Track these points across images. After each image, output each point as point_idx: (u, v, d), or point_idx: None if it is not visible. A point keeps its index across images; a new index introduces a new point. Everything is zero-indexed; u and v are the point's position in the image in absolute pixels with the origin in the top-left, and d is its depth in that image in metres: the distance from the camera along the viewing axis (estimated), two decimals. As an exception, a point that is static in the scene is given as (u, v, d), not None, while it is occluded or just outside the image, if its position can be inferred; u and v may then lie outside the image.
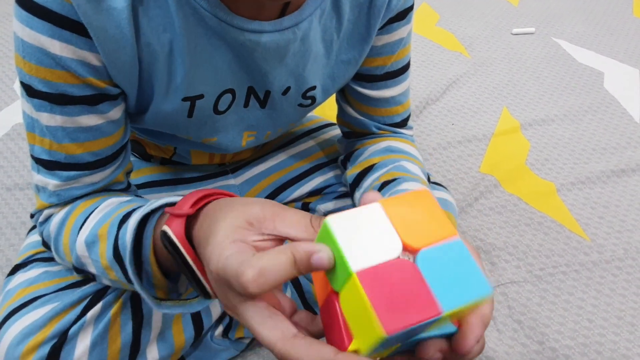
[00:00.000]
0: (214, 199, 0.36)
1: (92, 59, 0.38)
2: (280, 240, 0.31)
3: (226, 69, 0.45)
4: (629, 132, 0.95)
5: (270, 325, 0.27)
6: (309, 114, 0.77)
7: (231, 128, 0.52)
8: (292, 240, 0.30)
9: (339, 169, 0.67)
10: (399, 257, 0.25)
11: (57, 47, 0.37)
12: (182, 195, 0.38)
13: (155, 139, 0.58)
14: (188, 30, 0.40)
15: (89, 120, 0.42)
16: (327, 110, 0.93)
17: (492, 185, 0.84)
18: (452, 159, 0.89)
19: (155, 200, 0.39)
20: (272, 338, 0.27)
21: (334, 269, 0.26)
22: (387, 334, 0.22)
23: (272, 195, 0.66)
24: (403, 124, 0.61)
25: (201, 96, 0.46)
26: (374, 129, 0.60)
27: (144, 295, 0.37)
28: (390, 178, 0.53)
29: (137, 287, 0.37)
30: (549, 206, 0.81)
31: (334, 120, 0.75)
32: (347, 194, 0.65)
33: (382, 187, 0.52)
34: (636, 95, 1.04)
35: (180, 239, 0.33)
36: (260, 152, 0.68)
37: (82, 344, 0.45)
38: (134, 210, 0.40)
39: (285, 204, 0.67)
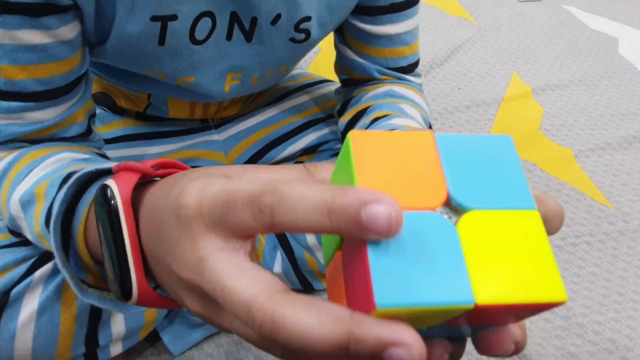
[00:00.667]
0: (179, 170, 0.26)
1: None
2: None
3: None
4: (649, 97, 0.88)
5: (251, 277, 0.18)
6: (303, 70, 0.70)
7: (211, 65, 0.44)
8: None
9: (336, 124, 0.60)
10: (434, 211, 0.17)
11: None
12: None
13: (124, 82, 0.50)
14: None
15: (32, 36, 0.34)
16: (321, 70, 0.85)
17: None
18: (460, 124, 0.81)
19: (108, 161, 0.31)
20: (251, 292, 0.17)
21: None
22: (378, 307, 0.15)
23: (260, 153, 0.59)
24: (410, 69, 0.53)
25: (174, 17, 0.38)
26: (376, 74, 0.52)
27: (66, 276, 0.27)
28: (381, 115, 0.46)
29: (59, 264, 0.27)
30: (567, 173, 0.74)
31: (331, 78, 0.68)
32: (346, 151, 0.58)
33: (371, 124, 0.45)
34: (654, 61, 0.97)
35: (124, 200, 0.23)
36: (248, 108, 0.60)
37: (29, 307, 0.37)
38: (81, 170, 0.30)
39: (276, 162, 0.59)
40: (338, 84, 0.63)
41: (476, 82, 0.90)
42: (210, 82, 0.46)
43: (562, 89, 0.90)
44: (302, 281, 0.55)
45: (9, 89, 0.35)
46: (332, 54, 0.56)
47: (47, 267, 0.38)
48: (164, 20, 0.38)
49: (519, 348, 0.19)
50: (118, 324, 0.42)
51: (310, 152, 0.59)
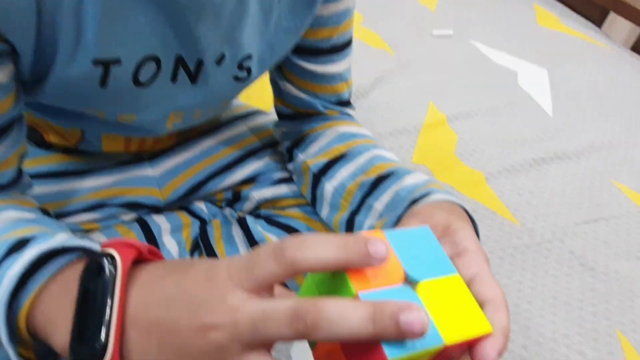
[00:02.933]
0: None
1: None
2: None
3: (149, 30, 0.38)
4: (544, 125, 1.00)
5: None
6: (236, 100, 0.72)
7: (154, 106, 0.44)
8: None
9: (275, 154, 0.62)
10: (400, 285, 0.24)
11: None
12: (98, 243, 0.30)
13: (57, 119, 0.49)
14: None
15: None
16: (252, 99, 0.87)
17: (426, 175, 0.83)
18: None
19: (66, 237, 0.31)
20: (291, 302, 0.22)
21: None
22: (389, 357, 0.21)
23: (197, 187, 0.59)
24: (348, 102, 0.58)
25: (117, 61, 0.38)
26: (321, 108, 0.55)
27: (10, 351, 0.28)
28: (382, 172, 0.48)
29: (3, 338, 0.28)
30: (480, 194, 0.82)
31: (262, 107, 0.70)
32: (285, 180, 0.60)
33: (378, 182, 0.48)
34: (547, 92, 1.11)
35: (123, 272, 0.25)
36: (183, 137, 0.61)
37: None
38: (33, 238, 0.31)
39: (214, 193, 0.60)
40: (271, 115, 0.66)
41: (398, 111, 0.97)
42: (152, 121, 0.46)
43: (472, 117, 0.99)
44: None
45: None
46: (260, 84, 0.58)
47: None
48: (107, 64, 0.38)
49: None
50: None
51: (249, 182, 0.60)
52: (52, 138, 0.53)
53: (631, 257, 0.74)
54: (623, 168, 0.91)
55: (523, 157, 0.91)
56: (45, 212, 0.40)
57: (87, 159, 0.55)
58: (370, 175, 0.49)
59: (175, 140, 0.60)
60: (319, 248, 0.22)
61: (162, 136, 0.56)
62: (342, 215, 0.51)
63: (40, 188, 0.51)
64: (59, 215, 0.52)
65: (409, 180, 0.47)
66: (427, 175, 0.48)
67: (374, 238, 0.23)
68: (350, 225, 0.50)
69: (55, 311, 0.28)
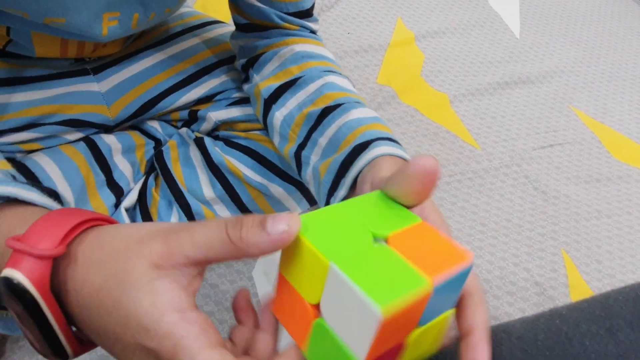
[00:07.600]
0: (90, 226, 0.24)
1: None
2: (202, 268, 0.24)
3: None
4: (510, 47, 0.98)
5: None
6: (190, 9, 0.65)
7: (84, 5, 0.39)
8: (211, 261, 0.23)
9: (232, 71, 0.57)
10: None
11: None
12: (31, 187, 0.26)
13: None
14: None
15: None
16: (208, 9, 0.80)
17: (390, 97, 0.81)
18: (349, 70, 0.83)
19: None
20: None
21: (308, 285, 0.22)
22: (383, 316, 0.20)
23: (149, 105, 0.55)
24: (309, 13, 0.53)
25: None
26: (277, 20, 0.50)
27: None
28: (330, 103, 0.45)
29: None
30: (444, 117, 0.81)
31: (219, 18, 0.64)
32: (243, 100, 0.56)
33: (325, 114, 0.45)
34: (516, 12, 1.07)
35: (43, 293, 0.22)
36: (131, 48, 0.55)
37: None
38: None
39: (168, 112, 0.56)
40: (228, 25, 0.60)
41: (364, 26, 0.92)
42: (84, 24, 0.41)
43: (440, 36, 0.96)
44: None
45: None
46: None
47: None
48: None
49: None
50: None
51: (206, 102, 0.56)
52: None
53: (580, 182, 0.77)
54: (582, 93, 0.92)
55: (487, 80, 0.89)
56: None
57: (18, 65, 0.49)
58: (318, 106, 0.46)
59: (119, 49, 0.54)
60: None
61: (103, 43, 0.51)
62: (291, 147, 0.48)
63: None
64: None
65: (354, 114, 0.44)
66: (374, 112, 0.46)
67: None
68: (298, 159, 0.48)
69: None
